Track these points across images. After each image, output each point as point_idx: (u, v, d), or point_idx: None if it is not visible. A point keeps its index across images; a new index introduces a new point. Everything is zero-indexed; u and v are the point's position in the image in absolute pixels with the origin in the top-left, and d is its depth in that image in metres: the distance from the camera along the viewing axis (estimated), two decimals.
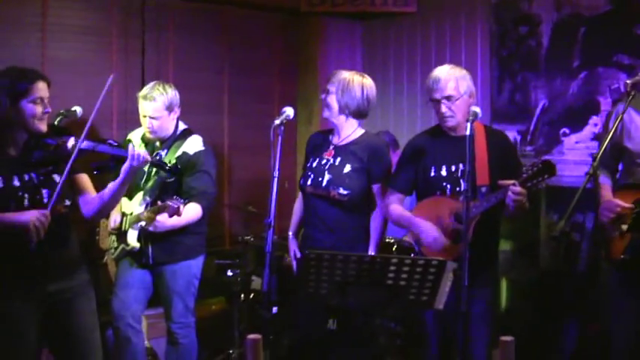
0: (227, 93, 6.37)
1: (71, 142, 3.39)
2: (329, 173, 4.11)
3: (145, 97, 4.32)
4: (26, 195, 3.33)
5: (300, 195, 4.38)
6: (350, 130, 4.19)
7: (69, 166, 3.29)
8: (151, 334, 4.96)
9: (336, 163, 4.13)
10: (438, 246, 3.80)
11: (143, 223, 4.30)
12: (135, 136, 4.59)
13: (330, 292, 3.24)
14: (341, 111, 4.15)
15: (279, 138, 3.77)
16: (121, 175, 3.49)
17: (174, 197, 3.95)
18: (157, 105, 4.30)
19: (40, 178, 3.39)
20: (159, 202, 4.08)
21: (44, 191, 3.37)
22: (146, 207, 4.32)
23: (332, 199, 4.08)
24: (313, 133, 4.48)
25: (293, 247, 4.34)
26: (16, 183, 3.33)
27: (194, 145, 4.41)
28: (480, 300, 3.72)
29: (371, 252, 4.11)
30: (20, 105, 3.30)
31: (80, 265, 3.59)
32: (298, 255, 4.25)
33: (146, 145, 4.48)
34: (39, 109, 3.33)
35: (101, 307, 3.76)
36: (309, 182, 4.17)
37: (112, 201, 3.58)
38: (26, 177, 3.36)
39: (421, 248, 3.94)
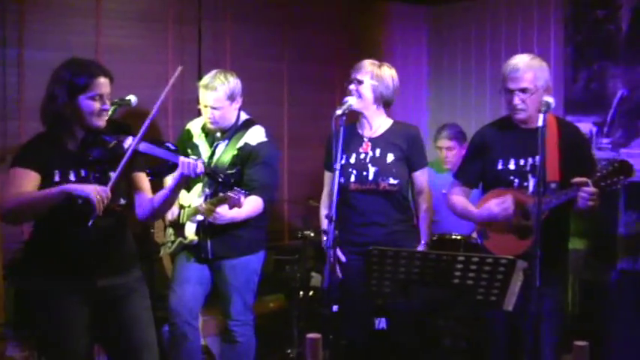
0: (286, 82, 6.39)
1: (128, 141, 3.43)
2: (373, 165, 4.17)
3: (206, 87, 4.35)
4: None
5: (324, 199, 4.43)
6: (380, 120, 4.28)
7: (120, 167, 3.33)
8: (206, 332, 5.02)
9: (377, 155, 4.20)
10: (507, 211, 3.78)
11: (201, 216, 4.35)
12: (194, 126, 4.64)
13: (393, 290, 3.26)
14: (375, 101, 4.21)
15: (342, 129, 3.82)
16: (172, 183, 3.51)
17: (235, 188, 3.99)
18: (218, 94, 4.34)
19: (96, 174, 3.44)
20: (220, 194, 4.12)
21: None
22: (205, 199, 4.37)
23: (382, 191, 4.14)
24: (335, 130, 4.48)
25: (337, 252, 4.34)
26: (72, 178, 3.40)
27: (256, 136, 4.44)
28: (548, 300, 3.68)
29: (421, 247, 4.19)
30: (78, 100, 3.34)
31: (134, 262, 3.65)
32: (343, 259, 4.25)
33: (206, 136, 4.53)
34: (97, 106, 3.36)
35: (156, 303, 3.84)
36: (352, 179, 4.20)
37: (164, 207, 3.62)
38: (83, 173, 3.43)
39: (484, 242, 3.95)
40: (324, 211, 4.37)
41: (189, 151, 4.50)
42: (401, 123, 4.36)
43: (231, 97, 4.38)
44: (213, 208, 4.20)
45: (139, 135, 3.40)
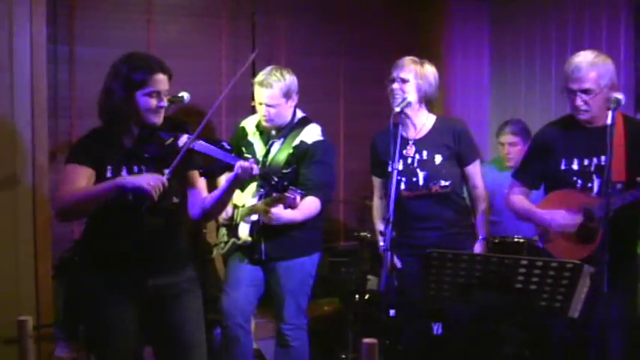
0: (342, 78, 6.38)
1: (184, 139, 3.44)
2: (422, 170, 4.16)
3: (260, 84, 4.37)
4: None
5: (377, 205, 4.41)
6: (423, 119, 4.26)
7: (174, 164, 3.34)
8: (258, 335, 5.03)
9: (425, 157, 4.18)
10: (570, 228, 3.74)
11: (256, 216, 4.37)
12: (249, 124, 4.65)
13: (452, 294, 3.24)
14: (419, 100, 4.19)
15: (400, 127, 3.80)
16: (225, 184, 3.53)
17: (291, 188, 3.99)
18: (273, 92, 4.35)
19: (149, 171, 3.45)
20: (273, 194, 4.12)
21: None
22: (259, 199, 4.39)
23: (434, 194, 4.12)
24: (376, 135, 4.45)
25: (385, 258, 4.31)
26: (125, 174, 3.43)
27: (313, 134, 4.44)
28: (616, 306, 3.64)
29: (479, 244, 4.18)
30: (135, 96, 3.37)
31: (187, 261, 3.67)
32: (399, 266, 4.22)
33: (261, 134, 4.55)
34: (153, 103, 3.38)
35: (208, 305, 3.85)
36: (402, 186, 4.17)
37: (216, 208, 3.63)
38: (135, 169, 3.46)
39: (546, 245, 3.92)
40: (377, 219, 4.38)
41: (243, 149, 4.52)
42: (445, 118, 4.35)
43: (287, 95, 4.39)
44: (267, 209, 4.21)
45: (195, 133, 3.42)
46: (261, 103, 4.39)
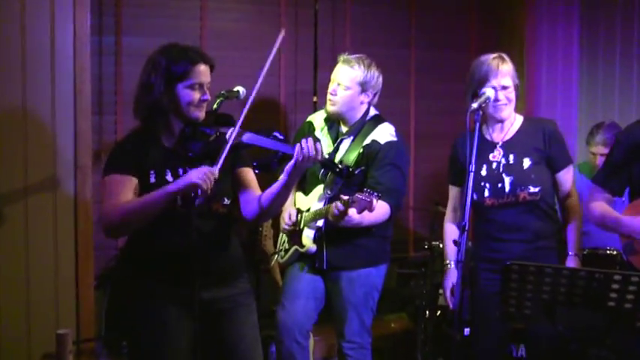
0: (414, 71, 6.37)
1: (233, 132, 3.39)
2: (508, 175, 4.08)
3: (344, 61, 4.42)
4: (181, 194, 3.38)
5: (448, 216, 4.37)
6: (511, 119, 4.19)
7: (221, 161, 3.31)
8: (316, 354, 5.02)
9: (511, 161, 4.10)
10: None
11: (321, 222, 4.37)
12: (317, 119, 4.66)
13: (534, 312, 3.20)
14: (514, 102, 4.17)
15: (477, 125, 3.75)
16: (283, 176, 3.46)
17: (365, 190, 3.95)
18: (353, 73, 4.38)
19: None
20: (342, 196, 4.07)
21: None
22: (326, 203, 4.38)
23: (521, 203, 4.06)
24: (457, 139, 4.38)
25: (452, 279, 4.25)
26: (169, 178, 3.42)
27: (385, 133, 4.43)
28: None
29: (570, 260, 4.11)
30: (175, 90, 3.37)
31: (241, 272, 3.67)
32: (456, 291, 4.15)
33: (329, 129, 4.55)
34: (196, 96, 3.39)
35: (263, 320, 3.85)
36: (486, 193, 4.11)
37: (274, 205, 3.57)
38: (180, 171, 3.44)
39: (630, 257, 3.86)
40: (449, 230, 4.34)
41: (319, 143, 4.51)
42: (534, 119, 4.29)
43: (363, 85, 4.40)
44: (345, 211, 4.12)
45: (237, 123, 3.39)
46: (334, 81, 4.43)
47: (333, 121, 4.53)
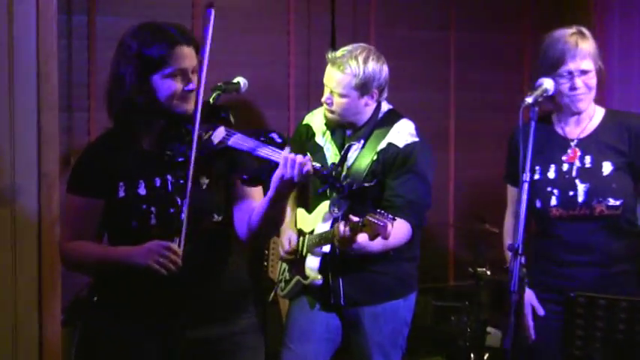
0: (453, 58, 6.40)
1: (220, 132, 3.35)
2: (583, 182, 4.00)
3: (332, 61, 4.35)
4: (153, 209, 3.35)
5: (507, 223, 4.32)
6: (591, 112, 4.09)
7: (189, 182, 3.24)
8: None
9: (587, 164, 4.02)
10: None
11: (328, 247, 4.32)
12: (316, 120, 4.63)
13: (606, 356, 3.17)
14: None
15: (532, 124, 3.69)
16: (270, 190, 3.31)
17: (379, 211, 3.91)
18: (343, 78, 4.29)
19: (179, 181, 3.37)
20: (351, 217, 4.05)
21: (181, 202, 3.32)
22: (333, 223, 4.33)
23: (598, 217, 3.99)
24: (518, 128, 4.26)
25: (530, 300, 4.18)
26: (141, 191, 3.37)
27: (404, 134, 4.38)
28: None
29: None
30: (151, 81, 3.29)
31: (244, 304, 3.60)
32: (541, 312, 4.09)
33: (333, 134, 4.52)
34: (178, 86, 3.30)
35: None
36: (553, 202, 4.04)
37: (264, 226, 3.45)
38: (157, 182, 3.37)
39: None
40: (508, 241, 4.26)
41: (308, 155, 4.45)
42: (617, 113, 4.16)
43: (362, 88, 4.32)
44: (352, 236, 4.10)
45: (231, 127, 3.33)
46: (327, 87, 4.39)
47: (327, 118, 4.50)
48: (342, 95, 4.33)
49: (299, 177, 3.20)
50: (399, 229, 4.21)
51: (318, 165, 3.30)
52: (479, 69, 6.41)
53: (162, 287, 3.32)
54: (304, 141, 4.57)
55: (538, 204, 3.99)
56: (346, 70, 4.28)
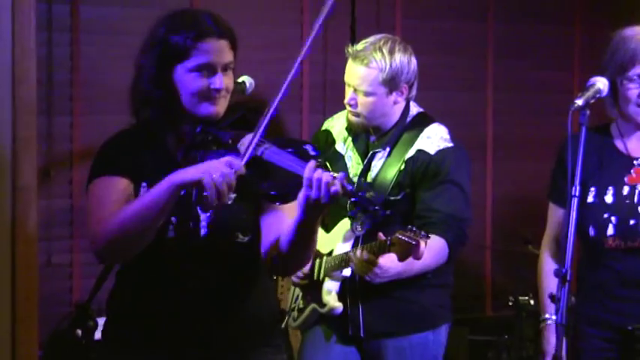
0: (492, 54, 6.38)
1: (247, 140, 3.25)
2: None
3: (354, 56, 4.34)
4: (173, 219, 3.31)
5: (547, 246, 4.26)
6: None
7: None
8: None
9: None
10: None
11: (349, 270, 4.30)
12: (336, 126, 4.62)
13: None
14: None
15: (583, 130, 3.66)
16: (297, 213, 3.24)
17: (409, 228, 3.87)
18: (369, 72, 4.28)
19: (204, 192, 3.20)
20: (379, 235, 4.03)
21: (203, 216, 3.34)
22: (355, 243, 4.32)
23: None
24: (569, 138, 4.21)
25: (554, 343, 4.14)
26: None
27: (435, 139, 4.37)
28: None
29: None
30: (173, 73, 3.28)
31: (270, 339, 3.57)
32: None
33: (355, 140, 4.50)
34: (203, 83, 3.26)
35: None
36: (610, 230, 4.00)
37: (292, 254, 3.38)
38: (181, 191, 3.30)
39: None
40: (549, 265, 4.23)
41: (327, 164, 4.43)
42: None
43: (391, 82, 4.30)
44: (372, 259, 4.12)
45: (257, 133, 3.22)
46: (349, 86, 4.36)
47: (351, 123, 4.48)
48: (367, 93, 4.31)
49: (327, 199, 3.12)
50: (436, 248, 4.22)
51: (350, 186, 3.14)
52: (521, 66, 6.41)
53: (172, 316, 3.33)
54: (324, 148, 4.53)
55: (592, 232, 3.93)
56: (371, 64, 4.26)
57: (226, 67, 3.27)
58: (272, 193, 3.25)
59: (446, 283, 4.48)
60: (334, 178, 3.06)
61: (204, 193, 3.00)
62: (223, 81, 3.25)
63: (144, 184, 3.31)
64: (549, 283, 4.18)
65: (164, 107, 3.30)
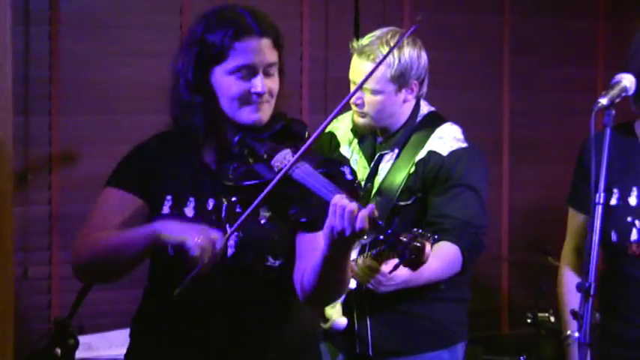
0: (508, 49, 6.40)
1: (282, 156, 3.26)
2: None
3: (360, 52, 4.35)
4: None
5: (566, 257, 4.23)
6: None
7: (254, 203, 3.11)
8: None
9: None
10: None
11: (354, 283, 4.28)
12: (342, 127, 4.62)
13: None
14: None
15: (607, 131, 3.63)
16: (325, 243, 3.14)
17: (415, 231, 3.86)
18: (379, 71, 4.26)
19: (235, 208, 3.32)
20: (383, 247, 4.02)
21: (232, 235, 3.27)
22: (361, 252, 4.31)
23: None
24: (591, 139, 4.20)
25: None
26: (189, 212, 3.34)
27: (448, 139, 4.38)
28: None
29: None
30: (211, 76, 3.28)
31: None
32: None
33: (361, 142, 4.51)
34: (243, 87, 3.24)
35: None
36: (634, 236, 3.98)
37: (320, 287, 3.30)
38: (210, 203, 3.34)
39: None
40: (571, 278, 4.21)
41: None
42: None
43: (400, 78, 4.32)
44: (375, 266, 4.13)
45: (295, 156, 3.15)
46: (355, 83, 4.36)
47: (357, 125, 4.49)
48: (375, 92, 4.32)
49: (349, 231, 3.02)
50: (448, 256, 4.23)
51: (381, 221, 3.08)
52: (539, 62, 6.43)
53: (196, 345, 3.34)
54: (328, 154, 4.55)
55: (614, 237, 3.89)
56: (378, 58, 4.24)
57: (269, 68, 3.26)
58: (302, 220, 3.22)
59: (461, 298, 4.49)
60: (366, 212, 2.97)
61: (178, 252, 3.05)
62: (266, 84, 3.21)
63: (168, 197, 3.34)
64: (571, 298, 4.16)
65: (205, 114, 3.28)
